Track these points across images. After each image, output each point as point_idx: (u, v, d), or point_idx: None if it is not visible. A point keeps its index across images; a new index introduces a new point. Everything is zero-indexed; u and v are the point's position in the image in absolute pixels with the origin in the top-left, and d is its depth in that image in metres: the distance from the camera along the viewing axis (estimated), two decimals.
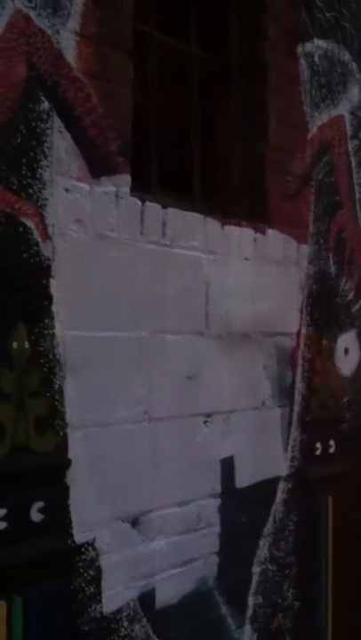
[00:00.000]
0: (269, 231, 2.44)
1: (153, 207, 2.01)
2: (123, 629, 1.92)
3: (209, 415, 2.24)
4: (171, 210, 2.07)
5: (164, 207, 2.05)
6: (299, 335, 2.62)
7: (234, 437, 2.33)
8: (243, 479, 2.36)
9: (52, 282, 1.74)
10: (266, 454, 2.48)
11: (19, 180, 1.66)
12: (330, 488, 2.74)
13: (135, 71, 1.96)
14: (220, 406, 2.28)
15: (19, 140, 1.66)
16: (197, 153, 2.34)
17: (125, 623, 1.93)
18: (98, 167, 1.84)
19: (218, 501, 2.26)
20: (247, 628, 2.38)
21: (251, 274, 2.37)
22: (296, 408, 2.62)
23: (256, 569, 2.42)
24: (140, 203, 1.97)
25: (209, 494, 2.24)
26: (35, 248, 1.69)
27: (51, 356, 1.74)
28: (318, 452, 2.72)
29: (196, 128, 2.36)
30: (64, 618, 1.77)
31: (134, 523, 1.97)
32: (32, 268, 1.69)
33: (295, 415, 2.62)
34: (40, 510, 1.69)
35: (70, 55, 1.78)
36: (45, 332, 1.72)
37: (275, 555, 2.50)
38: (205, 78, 2.41)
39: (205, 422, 2.23)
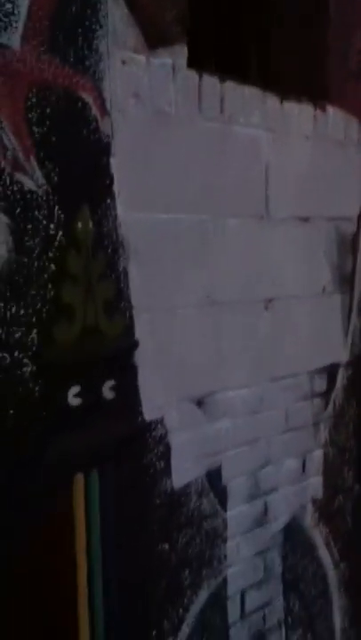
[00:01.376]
0: (330, 109, 2.33)
1: (210, 81, 1.93)
2: (192, 503, 1.99)
3: (270, 300, 2.22)
4: (229, 84, 1.98)
5: (222, 82, 1.96)
6: (359, 220, 2.55)
7: (294, 322, 2.32)
8: (303, 365, 2.37)
9: (112, 161, 1.70)
10: (326, 341, 2.48)
11: (75, 52, 1.59)
12: None
13: None
14: (280, 292, 2.26)
15: (73, 10, 1.58)
16: (255, 27, 2.21)
17: (194, 497, 2.00)
18: (154, 37, 1.75)
19: (279, 385, 2.28)
20: (309, 506, 2.44)
21: (311, 154, 2.29)
22: (356, 295, 2.59)
23: (317, 451, 2.46)
24: (197, 76, 1.89)
25: (270, 378, 2.25)
26: (94, 124, 1.65)
27: (114, 239, 1.72)
28: None
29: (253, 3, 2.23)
30: (137, 491, 1.83)
31: (200, 403, 2.01)
32: (92, 146, 1.65)
33: (356, 302, 2.59)
34: (111, 388, 1.72)
35: None
36: (108, 212, 1.70)
37: (334, 438, 2.53)
38: None
39: (266, 308, 2.22)
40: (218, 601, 2.11)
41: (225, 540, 2.11)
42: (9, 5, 1.47)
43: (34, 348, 1.56)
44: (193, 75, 1.87)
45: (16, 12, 1.48)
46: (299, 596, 2.42)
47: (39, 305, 1.57)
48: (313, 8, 2.32)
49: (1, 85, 1.46)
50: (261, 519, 2.25)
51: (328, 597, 2.54)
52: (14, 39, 1.48)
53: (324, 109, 2.31)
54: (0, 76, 1.46)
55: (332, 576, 2.55)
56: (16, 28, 1.49)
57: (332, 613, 2.57)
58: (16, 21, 1.49)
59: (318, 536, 2.48)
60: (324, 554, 2.51)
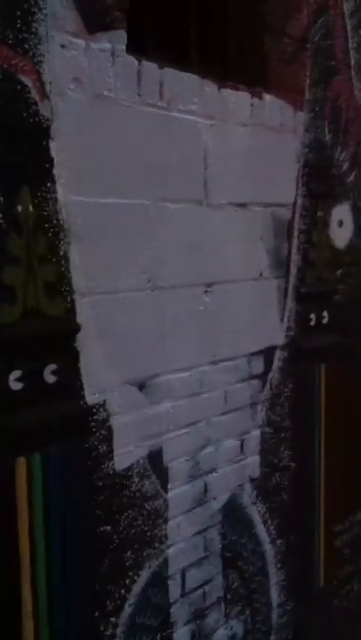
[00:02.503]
0: (266, 96, 2.38)
1: (150, 67, 1.94)
2: (134, 485, 2.02)
3: (210, 285, 2.26)
4: (168, 70, 2.00)
5: (161, 67, 1.98)
6: (295, 206, 2.61)
7: (233, 307, 2.37)
8: (242, 348, 2.42)
9: (52, 144, 1.70)
10: (263, 324, 2.54)
11: (14, 34, 1.58)
12: (323, 357, 2.83)
13: None
14: (219, 276, 2.30)
15: None
16: (194, 13, 2.23)
17: (136, 479, 2.03)
18: (93, 22, 1.75)
19: (218, 368, 2.33)
20: (247, 485, 2.51)
21: (248, 141, 2.33)
22: (292, 280, 2.66)
23: (255, 431, 2.53)
24: (136, 62, 1.90)
25: (210, 361, 2.30)
26: (33, 107, 1.64)
27: (55, 222, 1.73)
28: (312, 323, 2.79)
29: None
30: (80, 474, 1.85)
31: (141, 387, 2.03)
32: (31, 129, 1.65)
33: (291, 287, 2.66)
34: (53, 372, 1.73)
35: None
36: (48, 196, 1.70)
37: (271, 418, 2.60)
38: None
39: (206, 292, 2.26)
40: (159, 580, 2.15)
41: (166, 521, 2.15)
42: None
43: None
44: (132, 60, 1.88)
45: None
46: (238, 573, 2.48)
47: None
48: None
49: None
50: (201, 498, 2.30)
51: (266, 573, 2.62)
52: None
53: (260, 97, 2.36)
54: None
55: (270, 552, 2.63)
56: None
57: (270, 589, 2.65)
58: None
59: (256, 514, 2.56)
60: (261, 531, 2.59)
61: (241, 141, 2.31)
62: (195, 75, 2.11)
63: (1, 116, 1.57)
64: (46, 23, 1.65)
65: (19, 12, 1.59)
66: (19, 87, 1.60)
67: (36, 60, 1.63)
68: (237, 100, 2.28)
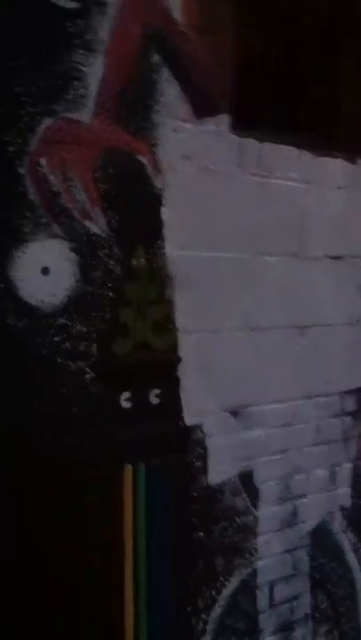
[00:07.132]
0: (359, 161, 2.65)
1: (250, 142, 2.29)
2: (226, 499, 2.31)
3: (305, 327, 2.53)
4: (266, 145, 2.33)
5: (260, 142, 2.32)
6: None
7: (327, 348, 2.61)
8: (335, 386, 2.65)
9: (163, 209, 2.08)
10: (357, 366, 2.75)
11: (135, 122, 2.00)
12: None
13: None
14: (316, 320, 2.57)
15: (135, 89, 1.99)
16: (285, 92, 2.55)
17: (228, 495, 2.31)
18: (201, 109, 2.14)
19: (312, 402, 2.58)
20: (338, 514, 2.70)
21: (342, 202, 2.60)
22: None
23: (347, 464, 2.73)
24: (238, 139, 2.25)
25: (304, 395, 2.55)
26: (148, 180, 2.04)
27: (163, 273, 2.10)
28: None
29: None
30: (178, 484, 2.17)
31: (235, 414, 2.33)
32: (146, 198, 2.04)
33: None
34: (157, 395, 2.08)
35: (177, 10, 2.07)
36: (158, 251, 2.08)
37: None
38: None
39: (302, 334, 2.52)
40: (248, 588, 2.40)
41: (256, 535, 2.41)
42: (82, 90, 1.89)
43: (93, 359, 1.95)
44: (235, 138, 2.24)
45: (87, 93, 1.90)
46: (326, 595, 2.67)
47: (100, 324, 1.96)
48: (334, 64, 2.64)
49: (75, 153, 1.87)
50: (291, 520, 2.53)
51: (354, 599, 2.78)
52: (85, 115, 1.90)
53: (353, 161, 2.63)
54: (74, 145, 1.88)
55: (360, 580, 2.79)
56: (87, 105, 1.90)
57: (359, 616, 2.79)
58: (87, 101, 1.90)
59: (346, 541, 2.73)
60: (351, 558, 2.76)
61: (335, 203, 2.58)
62: (292, 147, 2.43)
63: (123, 189, 1.98)
64: (161, 113, 2.05)
65: (139, 106, 2.01)
66: (137, 165, 2.01)
67: (152, 142, 2.04)
68: (332, 166, 2.56)
